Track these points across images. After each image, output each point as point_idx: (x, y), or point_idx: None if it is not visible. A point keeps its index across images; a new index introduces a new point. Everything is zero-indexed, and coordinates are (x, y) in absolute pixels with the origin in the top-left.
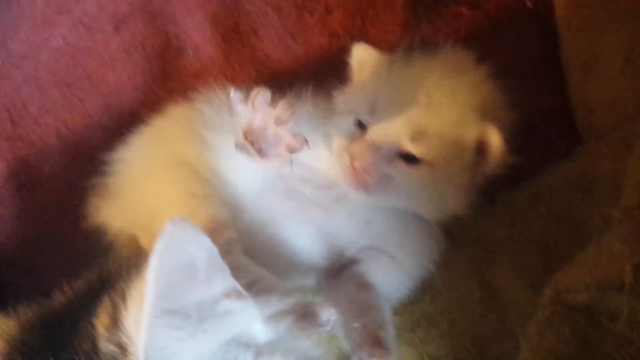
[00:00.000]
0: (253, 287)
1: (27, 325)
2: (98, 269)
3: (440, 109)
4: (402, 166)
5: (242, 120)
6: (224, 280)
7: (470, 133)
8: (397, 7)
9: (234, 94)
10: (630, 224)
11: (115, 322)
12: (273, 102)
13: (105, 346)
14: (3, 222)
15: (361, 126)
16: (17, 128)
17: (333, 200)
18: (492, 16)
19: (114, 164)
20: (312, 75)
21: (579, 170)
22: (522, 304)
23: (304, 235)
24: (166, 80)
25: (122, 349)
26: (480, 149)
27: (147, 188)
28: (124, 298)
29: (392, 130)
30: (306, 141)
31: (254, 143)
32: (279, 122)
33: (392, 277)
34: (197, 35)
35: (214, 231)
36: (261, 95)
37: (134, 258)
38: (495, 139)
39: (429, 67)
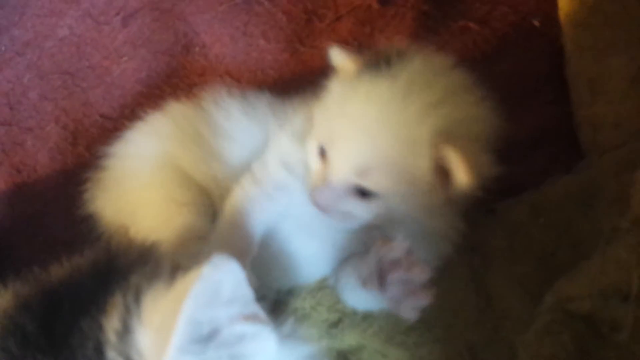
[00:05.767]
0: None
1: (24, 302)
2: (104, 247)
3: (381, 143)
4: (357, 202)
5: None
6: (245, 304)
7: (421, 162)
8: (407, 18)
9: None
10: (638, 234)
11: (127, 330)
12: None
13: (114, 357)
14: None
15: (323, 154)
16: (15, 113)
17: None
18: (499, 33)
19: (108, 157)
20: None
21: (580, 184)
22: (518, 312)
23: (310, 247)
24: (171, 76)
25: None
26: (442, 172)
27: (132, 186)
28: (138, 303)
29: (341, 169)
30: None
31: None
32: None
33: None
34: (205, 34)
35: (186, 241)
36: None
37: (149, 250)
38: (456, 166)
39: (374, 92)
